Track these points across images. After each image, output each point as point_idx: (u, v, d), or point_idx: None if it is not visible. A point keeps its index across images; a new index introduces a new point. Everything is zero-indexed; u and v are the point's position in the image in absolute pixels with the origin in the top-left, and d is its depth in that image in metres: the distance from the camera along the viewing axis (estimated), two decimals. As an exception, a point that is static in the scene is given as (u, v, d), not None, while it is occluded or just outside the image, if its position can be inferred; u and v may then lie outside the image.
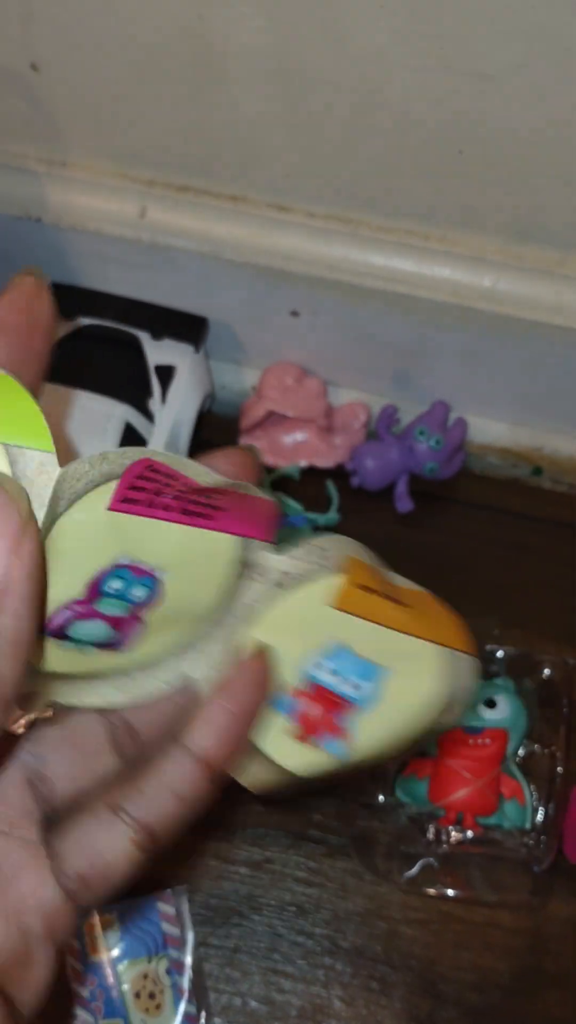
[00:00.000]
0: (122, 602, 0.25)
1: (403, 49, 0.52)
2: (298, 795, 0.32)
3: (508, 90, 0.52)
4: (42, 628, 0.24)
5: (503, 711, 0.55)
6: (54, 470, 0.23)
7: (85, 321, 0.66)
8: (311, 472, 0.70)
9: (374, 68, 0.53)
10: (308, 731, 0.27)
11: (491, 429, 0.70)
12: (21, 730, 0.27)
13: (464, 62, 0.52)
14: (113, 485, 0.23)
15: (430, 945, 0.55)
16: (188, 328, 0.67)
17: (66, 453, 0.23)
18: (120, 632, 0.25)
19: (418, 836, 0.55)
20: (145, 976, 0.53)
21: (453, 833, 0.54)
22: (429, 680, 0.27)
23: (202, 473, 0.25)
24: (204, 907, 0.55)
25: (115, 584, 0.24)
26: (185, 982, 0.53)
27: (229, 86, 0.56)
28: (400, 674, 0.27)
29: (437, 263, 0.62)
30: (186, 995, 0.53)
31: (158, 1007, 0.53)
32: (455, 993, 0.54)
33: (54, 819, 0.26)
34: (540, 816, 0.55)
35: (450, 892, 0.55)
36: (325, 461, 0.70)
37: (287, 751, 0.28)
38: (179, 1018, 0.52)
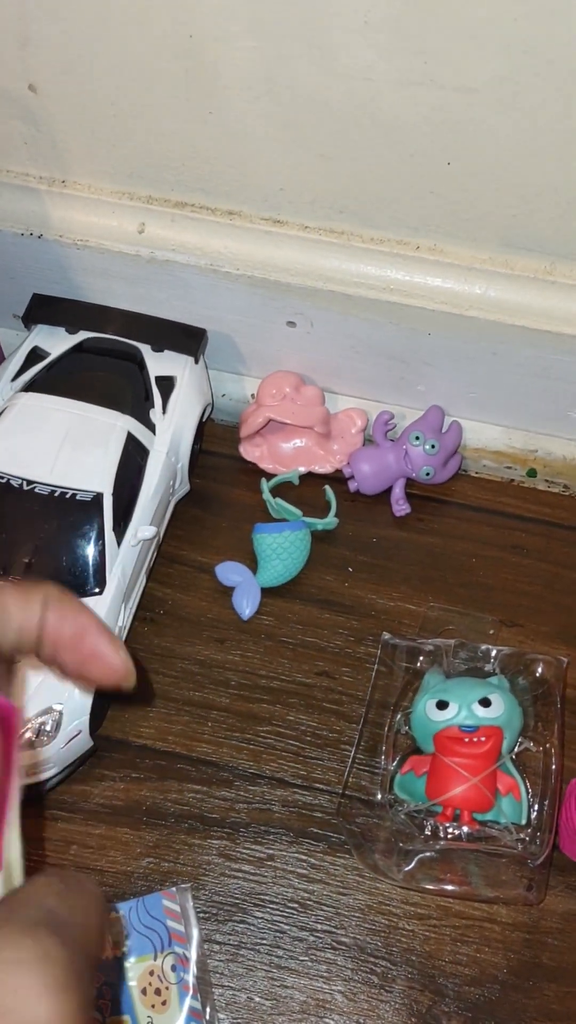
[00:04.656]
0: None
1: (389, 65, 0.53)
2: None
3: (493, 102, 0.54)
4: None
5: (498, 709, 0.56)
6: None
7: (87, 335, 0.68)
8: (310, 477, 0.72)
9: (361, 84, 0.54)
10: None
11: (486, 433, 0.71)
12: None
13: (449, 76, 0.53)
14: None
15: (429, 940, 0.56)
16: (187, 340, 0.68)
17: None
18: None
19: (416, 833, 0.56)
20: (151, 973, 0.54)
21: (450, 829, 0.55)
22: None
23: None
24: (208, 904, 0.57)
25: None
26: (190, 978, 0.54)
27: (221, 104, 0.58)
28: None
29: (429, 272, 0.63)
30: (191, 991, 0.54)
31: (164, 1003, 0.54)
32: (454, 987, 0.55)
33: None
34: (535, 812, 0.56)
35: (448, 888, 0.56)
36: (323, 467, 0.71)
37: None
38: (184, 1014, 0.53)
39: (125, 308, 0.69)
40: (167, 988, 0.54)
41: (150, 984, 0.54)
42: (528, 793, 0.57)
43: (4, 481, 0.60)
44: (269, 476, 0.71)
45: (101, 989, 0.54)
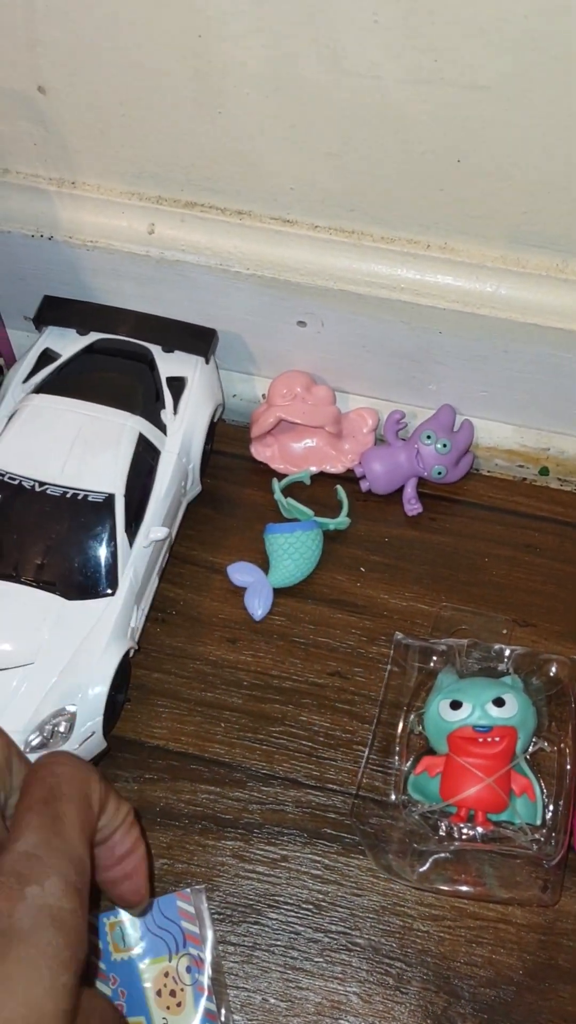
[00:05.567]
0: None
1: (398, 63, 0.53)
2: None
3: (503, 100, 0.53)
4: None
5: (512, 709, 0.56)
6: None
7: (98, 336, 0.68)
8: (321, 477, 0.72)
9: (371, 83, 0.54)
10: None
11: (497, 431, 0.71)
12: None
13: (458, 74, 0.53)
14: None
15: (444, 941, 0.56)
16: (198, 340, 0.68)
17: None
18: None
19: (430, 833, 0.56)
20: (166, 974, 0.54)
21: (465, 830, 0.55)
22: None
23: None
24: (222, 905, 0.57)
25: None
26: (205, 979, 0.54)
27: (230, 104, 0.58)
28: None
29: (439, 271, 0.63)
30: (206, 992, 0.54)
31: (179, 1005, 0.54)
32: (469, 989, 0.54)
33: None
34: (550, 813, 0.56)
35: (463, 889, 0.55)
36: (335, 466, 0.71)
37: None
38: (199, 1015, 0.53)
39: (135, 309, 0.69)
40: (182, 990, 0.54)
41: (165, 986, 0.54)
42: (543, 793, 0.57)
43: (16, 482, 0.60)
44: (280, 476, 0.71)
45: (116, 990, 0.54)
